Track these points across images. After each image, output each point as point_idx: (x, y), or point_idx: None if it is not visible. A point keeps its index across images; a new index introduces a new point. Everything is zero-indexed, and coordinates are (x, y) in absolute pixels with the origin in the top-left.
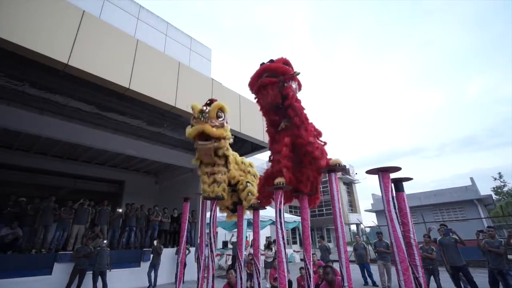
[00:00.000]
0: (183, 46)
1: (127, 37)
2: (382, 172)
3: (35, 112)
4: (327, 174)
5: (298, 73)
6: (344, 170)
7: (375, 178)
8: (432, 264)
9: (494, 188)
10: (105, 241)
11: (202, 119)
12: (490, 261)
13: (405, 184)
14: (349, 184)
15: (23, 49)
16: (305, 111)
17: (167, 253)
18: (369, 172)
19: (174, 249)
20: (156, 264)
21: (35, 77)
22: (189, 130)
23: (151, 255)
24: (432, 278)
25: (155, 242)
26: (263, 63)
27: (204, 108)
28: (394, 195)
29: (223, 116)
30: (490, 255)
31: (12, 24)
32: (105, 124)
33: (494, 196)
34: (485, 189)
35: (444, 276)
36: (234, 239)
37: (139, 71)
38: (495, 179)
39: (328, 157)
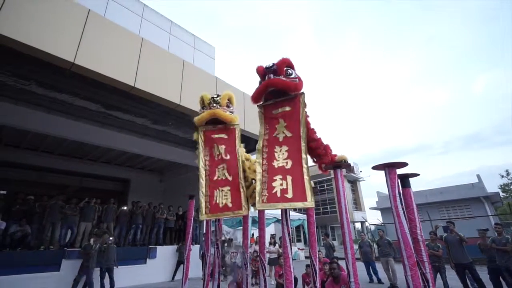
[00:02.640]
0: (187, 44)
1: (132, 36)
2: (389, 167)
3: (42, 111)
4: (332, 171)
5: None
6: (349, 166)
7: (379, 176)
8: (438, 262)
9: (501, 185)
10: (111, 238)
11: (214, 105)
12: (497, 258)
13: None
14: (354, 182)
15: (31, 48)
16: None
17: (169, 251)
18: (375, 167)
19: (175, 247)
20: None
21: (42, 76)
22: (199, 116)
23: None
24: (438, 275)
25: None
26: (266, 69)
27: (215, 96)
28: (401, 191)
29: (232, 107)
30: (497, 252)
31: (19, 23)
32: (111, 123)
33: (501, 194)
34: (492, 187)
35: (451, 274)
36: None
37: (144, 69)
38: (502, 176)
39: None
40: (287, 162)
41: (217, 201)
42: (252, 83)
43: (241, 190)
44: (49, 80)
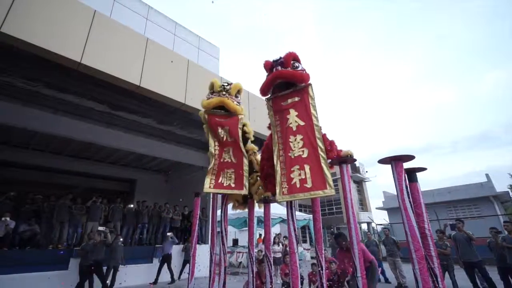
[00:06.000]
0: (191, 45)
1: (137, 36)
2: (395, 161)
3: (49, 112)
4: (337, 170)
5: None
6: (355, 161)
7: (385, 176)
8: (446, 260)
9: (510, 185)
10: (121, 239)
11: (224, 93)
12: (508, 257)
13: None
14: (359, 183)
15: (39, 49)
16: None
17: (175, 250)
18: (382, 161)
19: (181, 246)
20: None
21: (49, 77)
22: (208, 100)
23: None
24: (447, 274)
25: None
26: (273, 62)
27: (225, 84)
28: (408, 185)
29: (239, 97)
30: (507, 251)
31: (27, 24)
32: (117, 123)
33: (511, 194)
34: (502, 186)
35: (460, 273)
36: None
37: (149, 69)
38: None
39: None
40: (303, 151)
41: (222, 181)
42: (254, 83)
43: (244, 172)
44: (57, 81)
